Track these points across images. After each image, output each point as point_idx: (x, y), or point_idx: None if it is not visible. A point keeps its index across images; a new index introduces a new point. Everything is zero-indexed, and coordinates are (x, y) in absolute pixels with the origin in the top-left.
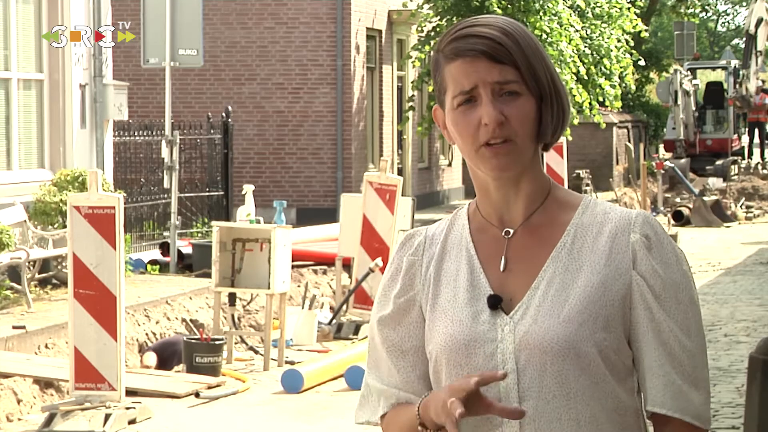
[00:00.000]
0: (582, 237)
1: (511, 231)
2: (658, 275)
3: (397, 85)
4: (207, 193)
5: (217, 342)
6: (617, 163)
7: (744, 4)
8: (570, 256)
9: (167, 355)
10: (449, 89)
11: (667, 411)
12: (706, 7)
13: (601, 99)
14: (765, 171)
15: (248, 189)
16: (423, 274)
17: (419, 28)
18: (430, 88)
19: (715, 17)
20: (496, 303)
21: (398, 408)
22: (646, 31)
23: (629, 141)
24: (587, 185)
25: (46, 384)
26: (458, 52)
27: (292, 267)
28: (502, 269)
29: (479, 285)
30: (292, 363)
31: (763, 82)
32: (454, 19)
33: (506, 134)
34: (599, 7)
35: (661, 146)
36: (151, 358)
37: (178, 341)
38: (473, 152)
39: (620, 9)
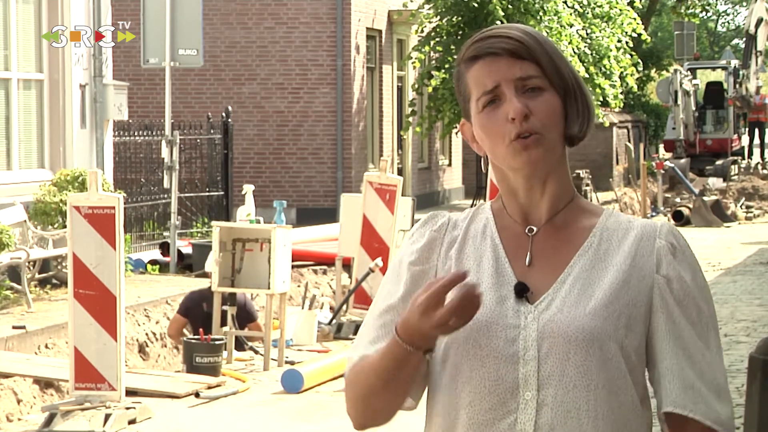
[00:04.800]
0: (608, 240)
1: (535, 229)
2: (681, 281)
3: (397, 86)
4: (207, 193)
5: (217, 342)
6: (617, 163)
7: (744, 4)
8: (596, 256)
9: (197, 313)
10: (473, 94)
11: (688, 413)
12: (707, 7)
13: (601, 99)
14: (765, 171)
15: (248, 189)
16: (442, 253)
17: (419, 29)
18: (430, 89)
19: (715, 17)
20: (522, 291)
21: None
22: (646, 33)
23: (629, 141)
24: (587, 185)
25: (46, 384)
26: (479, 53)
27: (292, 267)
28: (527, 264)
29: (504, 273)
30: (292, 363)
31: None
32: (454, 19)
33: (532, 127)
34: (599, 7)
35: (661, 146)
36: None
37: (201, 295)
38: (503, 149)
39: (620, 10)
